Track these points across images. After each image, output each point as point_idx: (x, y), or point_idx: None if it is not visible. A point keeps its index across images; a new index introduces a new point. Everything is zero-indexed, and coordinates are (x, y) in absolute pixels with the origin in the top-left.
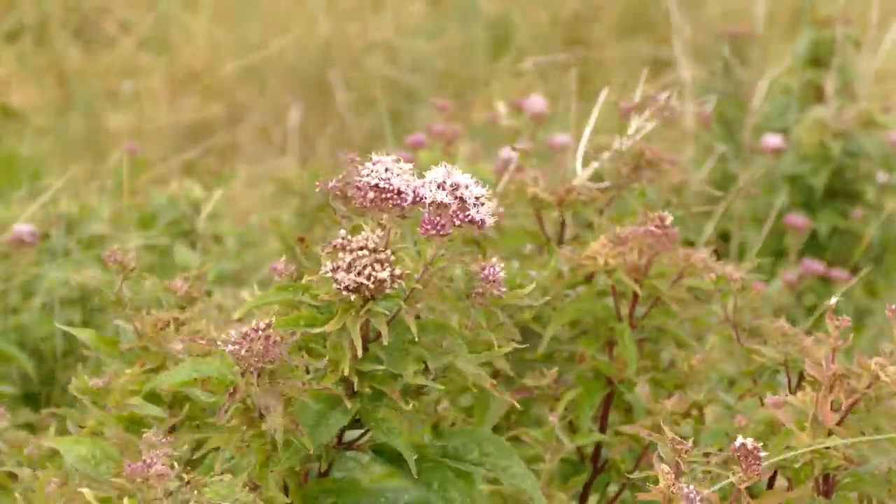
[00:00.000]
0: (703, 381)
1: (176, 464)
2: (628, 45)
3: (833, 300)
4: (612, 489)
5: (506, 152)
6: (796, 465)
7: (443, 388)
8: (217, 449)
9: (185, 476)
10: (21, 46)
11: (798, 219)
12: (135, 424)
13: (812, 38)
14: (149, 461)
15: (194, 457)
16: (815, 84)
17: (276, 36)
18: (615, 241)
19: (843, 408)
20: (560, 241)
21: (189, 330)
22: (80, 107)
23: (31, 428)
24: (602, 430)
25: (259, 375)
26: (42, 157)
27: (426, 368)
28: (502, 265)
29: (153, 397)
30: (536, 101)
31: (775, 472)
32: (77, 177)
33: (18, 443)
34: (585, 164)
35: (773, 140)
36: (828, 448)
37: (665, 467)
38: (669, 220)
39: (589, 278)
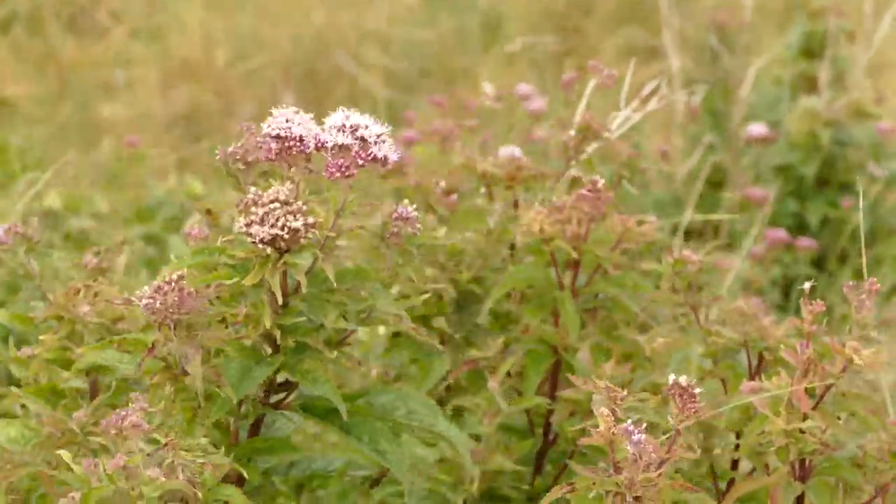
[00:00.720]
0: (664, 364)
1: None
2: (620, 35)
3: (807, 285)
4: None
5: (508, 150)
6: (771, 450)
7: (363, 328)
8: None
9: (160, 437)
10: (14, 36)
11: (756, 191)
12: (56, 396)
13: (805, 29)
14: (123, 414)
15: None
16: (807, 75)
17: (270, 26)
18: (551, 210)
19: (817, 392)
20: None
21: (101, 297)
22: (72, 97)
23: None
24: (552, 399)
25: (176, 328)
26: (34, 147)
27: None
28: (414, 206)
29: (70, 367)
30: (535, 100)
31: (737, 460)
32: (69, 167)
33: None
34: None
35: (757, 129)
36: (803, 432)
37: (604, 410)
38: (601, 183)
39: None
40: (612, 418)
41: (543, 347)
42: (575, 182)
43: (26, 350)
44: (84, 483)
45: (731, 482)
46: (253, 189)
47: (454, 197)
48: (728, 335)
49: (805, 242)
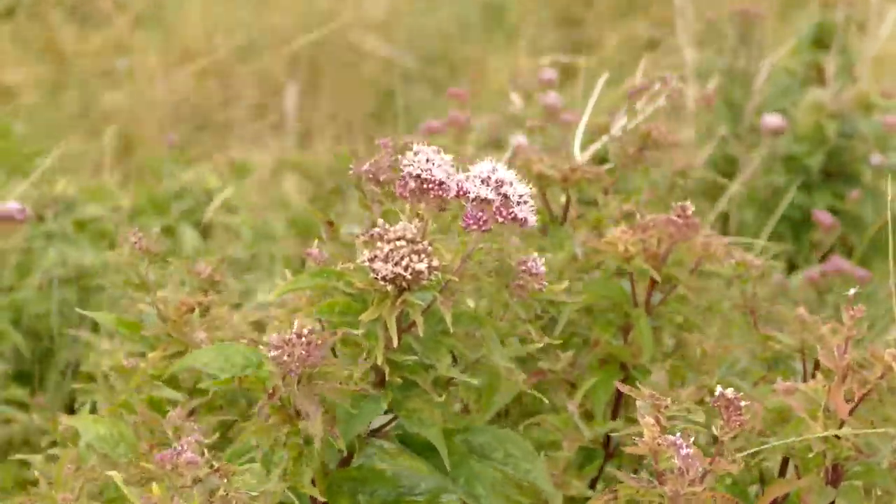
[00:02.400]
0: (717, 366)
1: (205, 451)
2: (623, 26)
3: (851, 291)
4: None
5: (518, 139)
6: (809, 455)
7: (475, 381)
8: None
9: (214, 463)
10: (15, 24)
11: (825, 216)
12: (153, 409)
13: (817, 19)
14: (179, 448)
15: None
16: (817, 66)
17: (272, 14)
18: (636, 229)
19: (855, 398)
20: (564, 220)
21: (212, 316)
22: (74, 85)
23: (23, 406)
24: (615, 415)
25: (299, 381)
26: (36, 135)
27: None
28: (543, 259)
29: (172, 383)
30: (551, 95)
31: (786, 460)
32: (71, 155)
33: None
34: (585, 145)
35: (772, 120)
36: (839, 438)
37: (649, 419)
38: (691, 210)
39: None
40: (658, 427)
41: (613, 366)
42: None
43: (132, 361)
44: None
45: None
46: (381, 222)
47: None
48: (786, 341)
49: (861, 273)
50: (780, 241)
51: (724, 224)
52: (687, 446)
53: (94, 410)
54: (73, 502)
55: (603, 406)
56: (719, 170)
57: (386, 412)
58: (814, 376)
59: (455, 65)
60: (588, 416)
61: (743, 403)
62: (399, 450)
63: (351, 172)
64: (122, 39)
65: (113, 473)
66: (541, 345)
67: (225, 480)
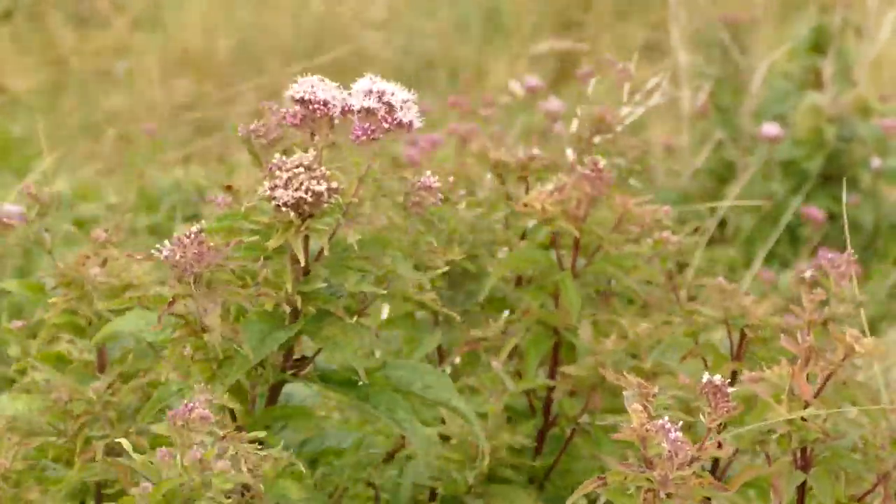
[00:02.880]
0: (650, 348)
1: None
2: (620, 30)
3: (808, 272)
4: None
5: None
6: (773, 437)
7: (384, 292)
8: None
9: (219, 430)
10: (14, 26)
11: (815, 211)
12: (62, 363)
13: (813, 23)
14: (190, 406)
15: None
16: (815, 69)
17: (271, 16)
18: (553, 190)
19: (818, 381)
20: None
21: (110, 262)
22: (74, 87)
23: None
24: (552, 378)
25: (196, 282)
26: (35, 138)
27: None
28: (436, 176)
29: (78, 331)
30: (552, 101)
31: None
32: (70, 156)
33: None
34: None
35: (771, 129)
36: (804, 420)
37: (637, 406)
38: (602, 163)
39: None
40: (646, 414)
41: (544, 328)
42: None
43: (17, 323)
44: (155, 474)
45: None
46: (277, 155)
47: (462, 192)
48: (708, 313)
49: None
50: (777, 245)
51: (721, 229)
52: (675, 430)
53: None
54: (7, 468)
55: (534, 365)
56: (715, 175)
57: (304, 359)
58: (741, 347)
59: (454, 67)
60: (521, 378)
61: (730, 390)
62: (320, 387)
63: (239, 133)
64: (121, 41)
65: (122, 440)
66: (446, 268)
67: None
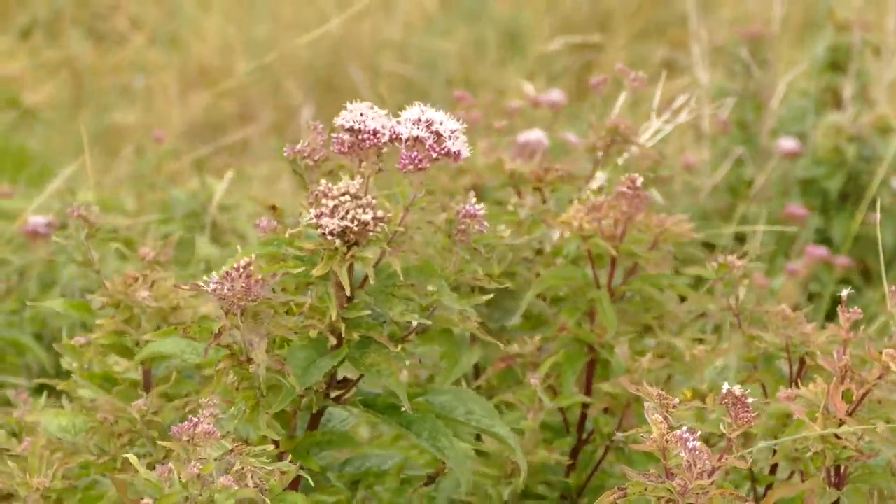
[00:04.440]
0: (706, 369)
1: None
2: (640, 49)
3: (845, 292)
4: (599, 455)
5: (527, 135)
6: (808, 455)
7: (429, 322)
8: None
9: (228, 444)
10: (33, 42)
11: (796, 208)
12: (109, 383)
13: (830, 42)
14: (196, 421)
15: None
16: (832, 88)
17: (287, 33)
18: (589, 208)
19: (854, 399)
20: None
21: (159, 286)
22: (91, 103)
23: None
24: (587, 395)
25: (242, 315)
26: (53, 153)
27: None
28: (482, 203)
29: (126, 353)
30: (554, 92)
31: (775, 465)
32: (89, 170)
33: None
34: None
35: (788, 143)
36: (838, 438)
37: (657, 417)
38: (640, 181)
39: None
40: (665, 425)
41: (579, 346)
42: (606, 187)
43: (79, 339)
44: (157, 489)
45: (768, 487)
46: (323, 181)
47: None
48: (769, 339)
49: (842, 260)
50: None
51: (741, 246)
52: (694, 439)
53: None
54: (48, 486)
55: (570, 383)
56: (734, 192)
57: (347, 381)
58: (800, 374)
59: (473, 86)
60: (556, 394)
61: (750, 400)
62: (363, 412)
63: (285, 154)
64: (139, 58)
65: (130, 456)
66: (490, 295)
67: (239, 458)
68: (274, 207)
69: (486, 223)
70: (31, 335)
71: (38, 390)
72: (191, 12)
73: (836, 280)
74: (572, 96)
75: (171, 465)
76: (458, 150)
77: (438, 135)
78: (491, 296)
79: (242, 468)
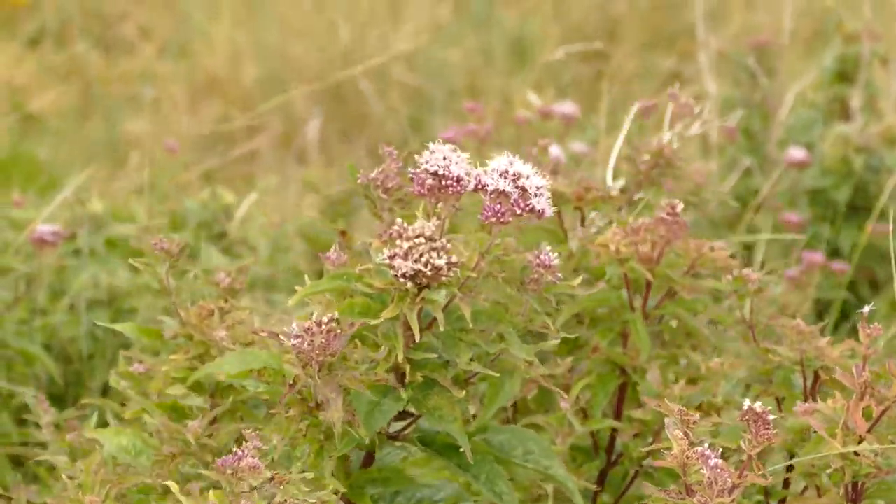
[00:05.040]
0: (720, 383)
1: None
2: (648, 59)
3: (866, 308)
4: (628, 479)
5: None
6: (827, 472)
7: (497, 375)
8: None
9: (269, 472)
10: (42, 51)
11: (792, 216)
12: (176, 413)
13: (839, 53)
14: (240, 453)
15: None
16: (840, 99)
17: (297, 42)
18: (627, 232)
19: (874, 415)
20: None
21: (233, 319)
22: (100, 112)
23: (57, 427)
24: (617, 420)
25: (319, 368)
26: (62, 163)
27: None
28: (556, 253)
29: (194, 387)
30: (566, 105)
31: (788, 478)
32: (97, 179)
33: (60, 434)
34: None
35: (797, 153)
36: (858, 455)
37: (678, 433)
38: (680, 207)
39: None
40: (686, 441)
41: (611, 368)
42: (646, 207)
43: (138, 366)
44: None
45: (782, 501)
46: (399, 221)
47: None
48: (784, 353)
49: (839, 266)
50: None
51: (749, 256)
52: (715, 456)
53: (104, 424)
54: None
55: (600, 406)
56: (743, 202)
57: (406, 415)
58: (814, 389)
59: (481, 96)
60: (588, 418)
61: (771, 418)
62: (421, 451)
63: (359, 181)
64: (148, 68)
65: (170, 483)
66: (558, 341)
67: (281, 487)
68: (344, 233)
69: (559, 274)
70: (40, 345)
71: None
72: (200, 22)
73: (842, 289)
74: (582, 106)
75: (219, 498)
76: (543, 209)
77: (524, 190)
78: (557, 342)
79: (284, 501)
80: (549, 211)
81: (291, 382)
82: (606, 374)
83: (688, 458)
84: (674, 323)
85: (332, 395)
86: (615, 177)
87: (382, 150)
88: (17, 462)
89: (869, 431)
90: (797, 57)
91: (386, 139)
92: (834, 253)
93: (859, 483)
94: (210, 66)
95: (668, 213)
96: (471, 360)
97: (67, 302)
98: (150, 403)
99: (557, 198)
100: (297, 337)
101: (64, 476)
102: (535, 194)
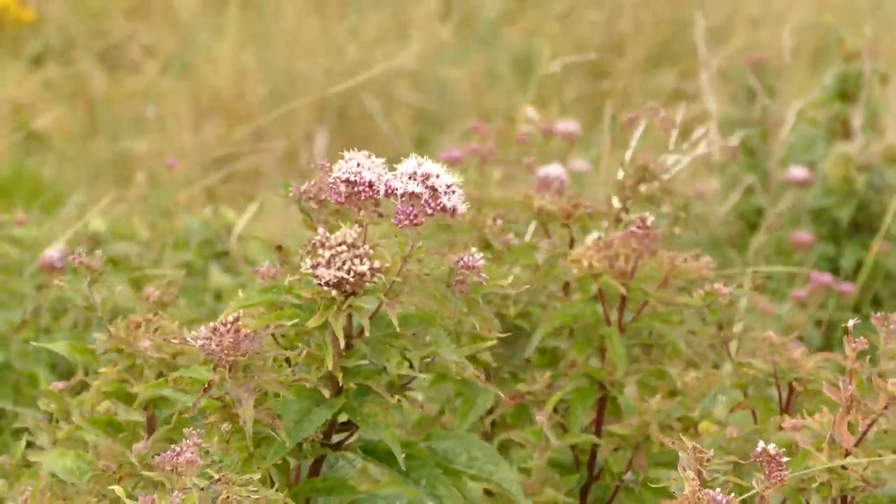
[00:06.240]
0: (699, 397)
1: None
2: (652, 77)
3: (851, 322)
4: (609, 494)
5: (546, 170)
6: (814, 486)
7: (425, 375)
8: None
9: (214, 474)
10: (46, 70)
11: (802, 235)
12: (112, 428)
13: (840, 71)
14: (179, 450)
15: None
16: (842, 117)
17: (302, 62)
18: (600, 246)
19: (860, 429)
20: None
21: (162, 332)
22: (103, 131)
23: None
24: (597, 434)
25: (231, 369)
26: (66, 181)
27: (411, 365)
28: (480, 254)
29: (129, 400)
30: (568, 123)
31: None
32: (100, 197)
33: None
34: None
35: (798, 172)
36: (845, 469)
37: (690, 473)
38: (650, 220)
39: (565, 287)
40: (698, 481)
41: (590, 383)
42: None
43: (57, 384)
44: None
45: None
46: (321, 231)
47: (511, 236)
48: (758, 366)
49: (846, 287)
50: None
51: (754, 275)
52: (727, 502)
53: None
54: None
55: (579, 420)
56: (745, 221)
57: (349, 425)
58: (790, 401)
59: (486, 114)
60: (566, 431)
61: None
62: (363, 460)
63: (291, 194)
64: (152, 86)
65: (115, 487)
66: (492, 342)
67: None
68: (280, 248)
69: (484, 274)
70: (46, 367)
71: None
72: (204, 41)
73: (846, 308)
74: (585, 123)
75: (155, 495)
76: (454, 206)
77: (434, 190)
78: (491, 343)
79: (228, 497)
80: (462, 208)
81: (206, 386)
82: (585, 389)
83: (699, 499)
84: (650, 336)
85: (245, 395)
86: (613, 196)
87: (315, 164)
88: None
89: (856, 445)
90: (799, 75)
91: (390, 158)
92: (836, 271)
93: (848, 497)
94: (214, 85)
95: (638, 227)
96: (402, 364)
97: (69, 322)
98: (84, 420)
99: (545, 215)
100: (205, 338)
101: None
102: (445, 193)
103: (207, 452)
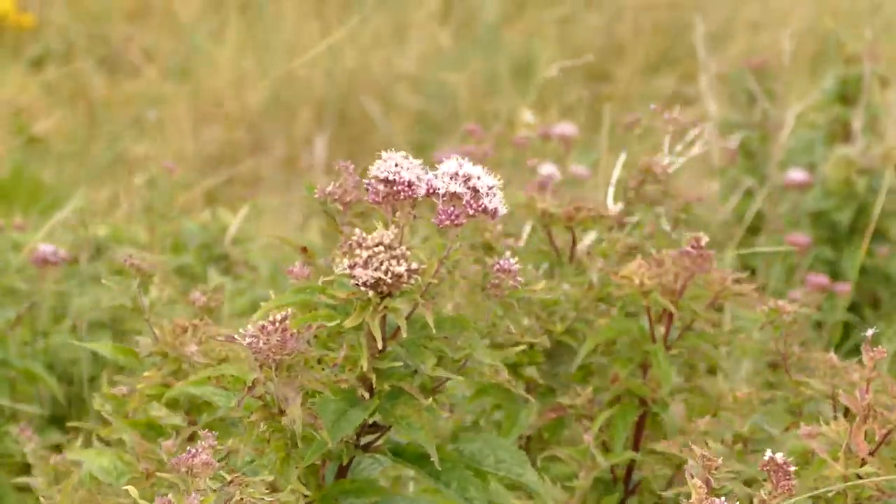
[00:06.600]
0: (749, 413)
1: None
2: (652, 81)
3: (870, 332)
4: None
5: (544, 170)
6: (829, 495)
7: (462, 378)
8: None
9: (227, 476)
10: (46, 74)
11: (798, 237)
12: (153, 431)
13: (840, 74)
14: (193, 451)
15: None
16: (842, 120)
17: (302, 66)
18: (652, 263)
19: (876, 438)
20: (571, 260)
21: (206, 335)
22: (103, 135)
23: (58, 449)
24: (636, 450)
25: (277, 368)
26: (65, 184)
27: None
28: (516, 258)
29: (172, 404)
30: (565, 126)
31: None
32: (100, 201)
33: (45, 457)
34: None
35: (797, 175)
36: (860, 478)
37: (697, 481)
38: (705, 241)
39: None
40: (705, 489)
41: (632, 399)
42: (636, 226)
43: (121, 388)
44: None
45: None
46: (358, 231)
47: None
48: (816, 386)
49: (842, 287)
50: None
51: (752, 277)
52: None
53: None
54: None
55: (621, 438)
56: (744, 223)
57: (378, 427)
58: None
59: (484, 118)
60: (607, 449)
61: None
62: (392, 461)
63: (316, 196)
64: (152, 89)
65: (129, 488)
66: (523, 346)
67: (239, 490)
68: (305, 249)
69: (519, 279)
70: (42, 365)
71: (52, 421)
72: (204, 45)
73: (844, 310)
74: (585, 127)
75: (170, 496)
76: (496, 208)
77: (476, 191)
78: (522, 348)
79: (242, 499)
80: (503, 209)
81: (250, 385)
82: (627, 406)
83: None
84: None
85: (292, 395)
86: (615, 198)
87: (338, 165)
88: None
89: (872, 454)
90: (799, 78)
91: None
92: (835, 274)
93: None
94: (214, 89)
95: (692, 247)
96: (437, 365)
97: (69, 324)
98: (124, 422)
99: (548, 218)
100: (252, 336)
101: (42, 499)
102: (487, 194)
103: (226, 456)
